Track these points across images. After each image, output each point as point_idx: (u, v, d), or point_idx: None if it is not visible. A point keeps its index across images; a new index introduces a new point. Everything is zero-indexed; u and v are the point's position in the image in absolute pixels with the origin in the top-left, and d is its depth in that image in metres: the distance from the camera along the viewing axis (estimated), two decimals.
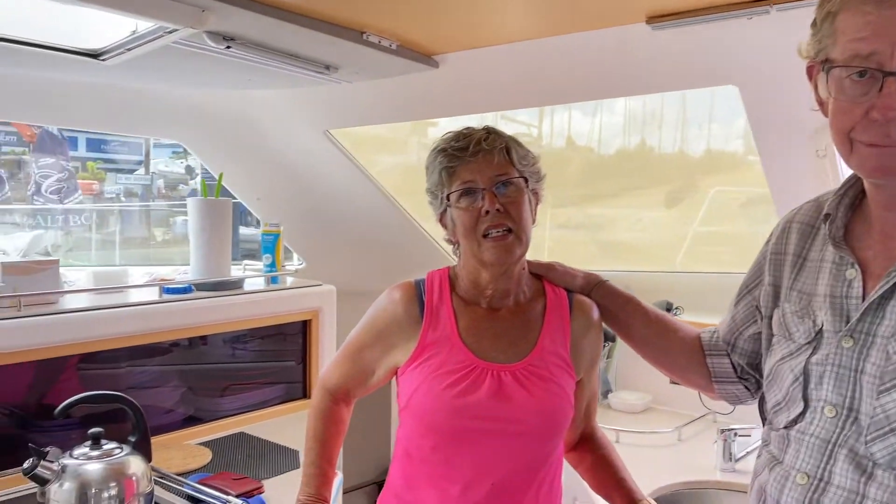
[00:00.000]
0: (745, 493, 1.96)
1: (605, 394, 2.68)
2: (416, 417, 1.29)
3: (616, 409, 2.61)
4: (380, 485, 3.50)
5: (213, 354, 2.35)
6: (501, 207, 1.26)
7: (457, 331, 1.30)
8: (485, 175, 1.27)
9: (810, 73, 0.98)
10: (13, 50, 1.64)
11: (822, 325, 1.00)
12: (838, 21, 0.90)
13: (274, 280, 2.51)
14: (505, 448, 1.27)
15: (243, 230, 6.57)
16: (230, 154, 2.67)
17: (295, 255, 3.06)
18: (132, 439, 1.64)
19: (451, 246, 1.38)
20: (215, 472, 1.92)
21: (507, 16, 1.72)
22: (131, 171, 11.50)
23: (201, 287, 2.28)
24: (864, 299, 0.96)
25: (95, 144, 11.06)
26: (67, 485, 1.46)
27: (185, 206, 3.18)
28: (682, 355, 1.33)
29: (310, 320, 2.55)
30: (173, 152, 11.09)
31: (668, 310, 2.54)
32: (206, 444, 2.15)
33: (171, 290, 2.19)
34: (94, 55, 1.74)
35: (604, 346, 1.62)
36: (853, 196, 1.04)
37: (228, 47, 1.61)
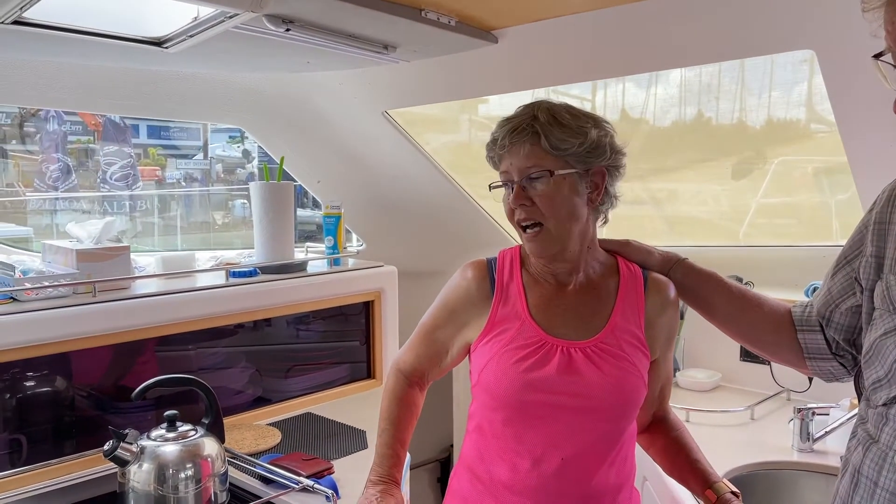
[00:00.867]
0: (824, 474, 1.91)
1: (674, 372, 2.62)
2: (487, 392, 1.30)
3: (685, 388, 2.55)
4: (442, 462, 3.54)
5: (278, 336, 2.39)
6: (528, 202, 1.25)
7: (526, 307, 1.30)
8: (516, 167, 1.26)
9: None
10: (80, 40, 1.67)
11: None
12: None
13: (336, 262, 2.53)
14: (575, 423, 1.26)
15: (300, 212, 6.65)
16: (289, 137, 2.69)
17: (354, 237, 3.07)
18: (206, 421, 1.67)
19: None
20: (286, 452, 1.95)
21: None
22: (191, 157, 11.76)
23: (266, 270, 2.31)
24: None
25: (156, 131, 11.33)
26: (146, 466, 1.51)
27: (242, 189, 3.22)
28: (770, 331, 1.29)
29: (372, 301, 2.56)
30: (230, 137, 11.27)
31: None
32: (274, 424, 2.19)
33: (237, 274, 2.23)
34: (158, 43, 1.76)
35: None
36: None
37: (288, 30, 1.61)
